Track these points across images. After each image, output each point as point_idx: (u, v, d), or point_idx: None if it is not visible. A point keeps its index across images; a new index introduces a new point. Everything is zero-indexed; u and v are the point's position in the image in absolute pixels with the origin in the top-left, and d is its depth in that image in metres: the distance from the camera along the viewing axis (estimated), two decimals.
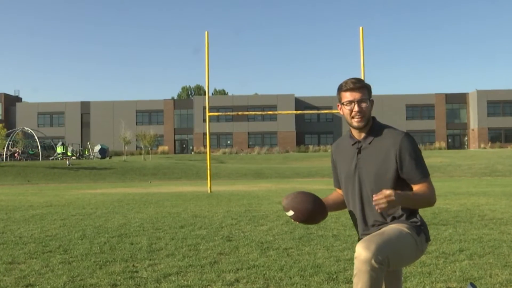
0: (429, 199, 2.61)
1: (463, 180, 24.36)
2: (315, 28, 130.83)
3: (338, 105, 2.76)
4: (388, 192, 2.39)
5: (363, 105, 2.63)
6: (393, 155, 2.60)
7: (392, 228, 2.58)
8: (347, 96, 2.65)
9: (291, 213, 2.70)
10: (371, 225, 2.66)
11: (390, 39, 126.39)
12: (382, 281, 2.41)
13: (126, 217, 8.95)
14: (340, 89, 2.69)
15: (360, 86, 2.65)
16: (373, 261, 2.34)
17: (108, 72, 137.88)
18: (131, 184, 26.44)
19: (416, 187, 2.62)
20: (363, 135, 2.70)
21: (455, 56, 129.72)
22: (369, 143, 2.67)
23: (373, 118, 2.73)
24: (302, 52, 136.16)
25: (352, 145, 2.74)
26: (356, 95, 2.63)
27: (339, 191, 2.91)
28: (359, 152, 2.69)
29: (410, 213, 2.65)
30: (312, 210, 2.67)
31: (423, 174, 2.61)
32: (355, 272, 2.40)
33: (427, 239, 2.67)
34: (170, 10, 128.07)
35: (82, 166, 38.48)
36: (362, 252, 2.38)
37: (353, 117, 2.65)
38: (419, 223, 2.65)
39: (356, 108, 2.63)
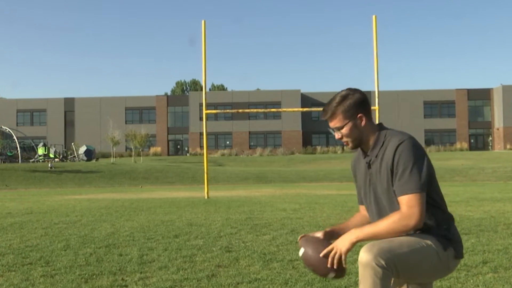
0: (396, 223, 2.50)
1: (487, 185, 24.35)
2: (323, 17, 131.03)
3: None
4: (330, 251, 2.55)
5: (343, 131, 2.71)
6: (390, 165, 2.62)
7: (408, 237, 2.57)
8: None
9: (301, 251, 2.68)
10: None
11: (406, 29, 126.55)
12: None
13: (114, 225, 8.96)
14: None
15: (329, 115, 2.71)
16: (374, 264, 2.35)
17: (95, 65, 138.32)
18: (120, 189, 26.48)
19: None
20: (370, 148, 2.75)
21: (478, 47, 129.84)
22: (376, 156, 2.70)
23: (379, 124, 2.77)
24: (309, 44, 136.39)
25: (364, 159, 2.79)
26: (331, 124, 2.74)
27: (362, 208, 2.94)
28: (369, 166, 2.74)
29: (437, 225, 2.63)
30: (321, 259, 2.58)
31: (406, 187, 2.51)
32: (359, 278, 2.44)
33: (458, 256, 2.64)
34: None
35: (65, 169, 38.55)
36: (363, 255, 2.41)
37: None
38: (449, 237, 2.62)
39: (336, 136, 2.74)
